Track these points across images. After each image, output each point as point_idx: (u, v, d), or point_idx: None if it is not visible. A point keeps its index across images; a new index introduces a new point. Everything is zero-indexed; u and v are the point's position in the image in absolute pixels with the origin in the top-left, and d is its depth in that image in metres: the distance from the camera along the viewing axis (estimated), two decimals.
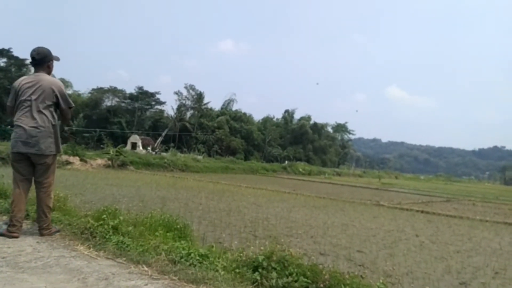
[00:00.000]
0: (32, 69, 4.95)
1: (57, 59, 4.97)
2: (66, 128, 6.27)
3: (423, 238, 7.77)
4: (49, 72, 4.90)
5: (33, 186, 4.86)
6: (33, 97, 4.62)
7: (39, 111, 4.63)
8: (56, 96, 4.75)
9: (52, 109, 4.76)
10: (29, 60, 4.97)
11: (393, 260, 5.62)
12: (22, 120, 4.58)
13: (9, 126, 36.65)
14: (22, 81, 4.76)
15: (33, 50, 4.79)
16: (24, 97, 4.62)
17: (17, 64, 48.71)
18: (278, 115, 72.55)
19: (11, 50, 49.13)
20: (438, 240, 7.69)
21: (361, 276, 3.95)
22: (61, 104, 4.81)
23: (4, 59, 49.37)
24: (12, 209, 4.54)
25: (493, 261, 6.15)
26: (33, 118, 4.59)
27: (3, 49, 48.59)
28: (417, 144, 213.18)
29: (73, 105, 5.03)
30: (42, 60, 4.82)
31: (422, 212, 12.53)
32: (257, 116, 68.89)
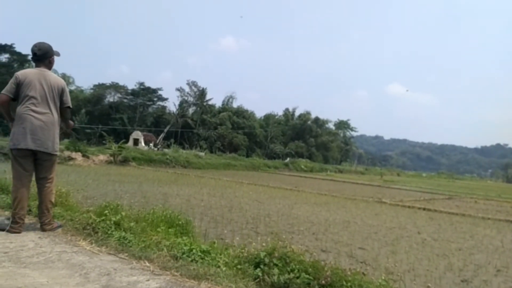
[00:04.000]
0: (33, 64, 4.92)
1: (58, 54, 4.93)
2: (70, 122, 6.18)
3: (425, 235, 7.75)
4: (50, 67, 4.86)
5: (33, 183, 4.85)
6: (42, 92, 4.58)
7: (48, 107, 4.61)
8: (61, 94, 4.77)
9: (58, 107, 4.76)
10: (30, 56, 4.92)
11: (395, 257, 5.61)
12: (31, 114, 4.50)
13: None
14: (28, 73, 4.66)
15: (34, 45, 4.73)
16: (32, 91, 4.54)
17: (20, 60, 48.68)
18: (279, 112, 72.70)
19: (13, 45, 49.19)
20: (440, 237, 7.68)
21: (363, 273, 3.94)
22: (64, 103, 4.84)
23: (7, 55, 49.41)
24: (15, 207, 4.48)
25: (495, 259, 6.14)
26: (42, 114, 4.55)
27: (5, 45, 48.62)
28: (420, 141, 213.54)
29: (71, 105, 5.02)
30: (44, 55, 4.77)
31: (424, 209, 12.50)
32: (259, 113, 69.00)
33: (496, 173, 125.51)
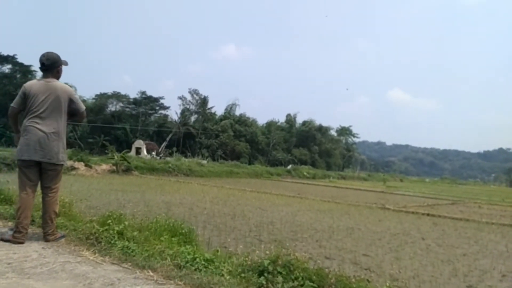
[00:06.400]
0: (40, 74, 4.94)
1: (66, 63, 4.95)
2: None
3: (429, 241, 7.72)
4: (58, 77, 4.86)
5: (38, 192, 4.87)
6: (47, 104, 4.60)
7: (53, 119, 4.64)
8: (70, 102, 4.79)
9: (64, 117, 4.78)
10: (34, 66, 4.97)
11: (399, 264, 5.59)
12: (35, 126, 4.54)
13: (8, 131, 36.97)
14: (33, 85, 4.69)
15: (42, 55, 4.74)
16: (37, 103, 4.57)
17: (22, 70, 48.96)
18: (281, 118, 72.67)
19: (15, 56, 49.48)
20: (444, 243, 7.65)
21: (367, 280, 3.94)
22: (78, 109, 4.89)
23: (9, 66, 49.67)
24: (19, 216, 4.50)
25: (500, 264, 6.11)
26: (46, 126, 4.58)
27: (7, 56, 48.90)
28: (422, 146, 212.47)
29: (84, 109, 5.05)
30: (52, 65, 4.77)
31: (428, 215, 12.46)
32: (261, 120, 68.97)
33: (499, 177, 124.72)
